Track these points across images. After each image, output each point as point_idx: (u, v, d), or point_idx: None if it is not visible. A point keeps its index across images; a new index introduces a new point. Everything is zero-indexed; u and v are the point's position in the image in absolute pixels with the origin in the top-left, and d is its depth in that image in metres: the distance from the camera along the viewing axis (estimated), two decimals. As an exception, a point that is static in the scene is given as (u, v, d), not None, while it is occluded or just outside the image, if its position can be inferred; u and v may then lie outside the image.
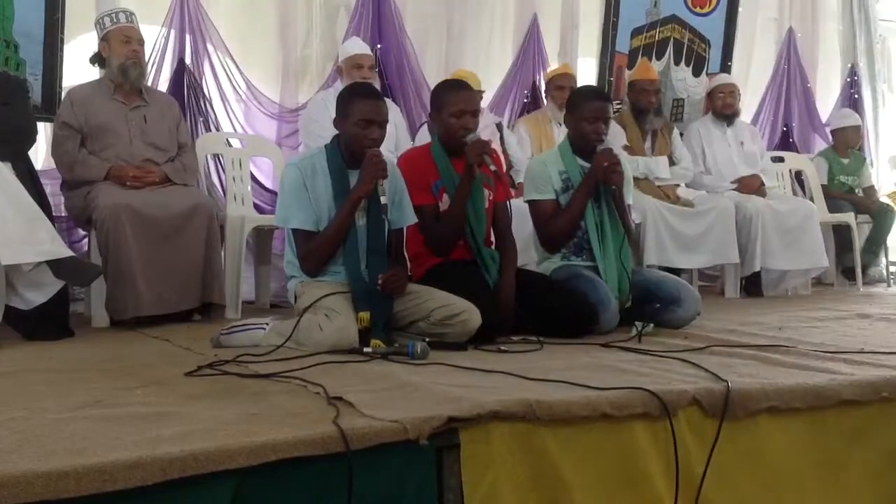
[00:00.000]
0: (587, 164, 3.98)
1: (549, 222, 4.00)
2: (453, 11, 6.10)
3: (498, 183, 3.83)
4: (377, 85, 4.94)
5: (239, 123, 5.45)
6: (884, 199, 6.99)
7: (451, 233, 3.73)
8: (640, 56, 6.53)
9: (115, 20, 4.39)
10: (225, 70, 5.39)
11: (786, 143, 7.22)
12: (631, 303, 3.90)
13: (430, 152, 3.83)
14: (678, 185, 5.76)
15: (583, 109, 3.98)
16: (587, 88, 4.63)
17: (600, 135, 3.96)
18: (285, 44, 5.66)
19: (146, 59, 4.67)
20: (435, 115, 3.84)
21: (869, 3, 7.56)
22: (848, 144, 6.89)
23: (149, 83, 4.75)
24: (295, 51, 5.71)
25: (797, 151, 7.12)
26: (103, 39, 4.40)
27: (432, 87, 5.74)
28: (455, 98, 3.75)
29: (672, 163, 5.76)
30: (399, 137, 5.19)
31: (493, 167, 3.64)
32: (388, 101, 5.18)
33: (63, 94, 4.70)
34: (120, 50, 4.35)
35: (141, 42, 4.46)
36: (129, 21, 4.41)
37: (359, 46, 5.17)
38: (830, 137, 7.08)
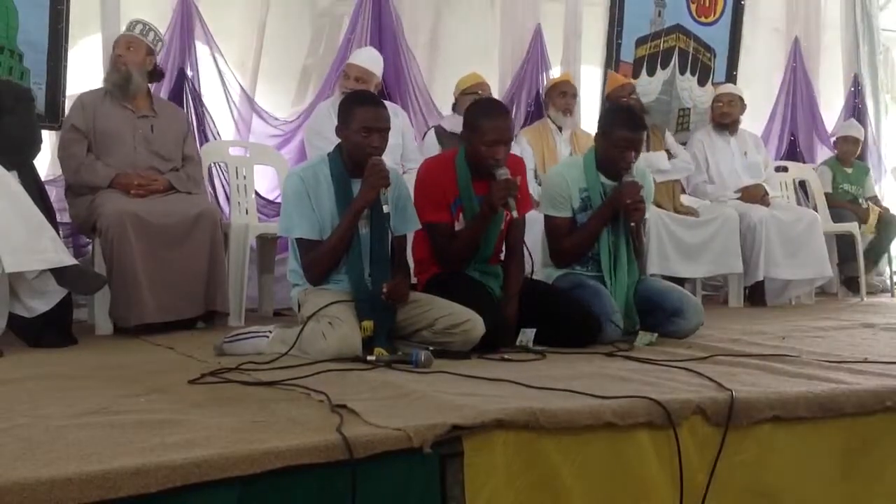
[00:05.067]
0: (610, 183, 3.91)
1: (562, 239, 3.94)
2: (454, 20, 6.07)
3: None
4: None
5: (241, 132, 5.44)
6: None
7: (463, 255, 3.68)
8: (644, 65, 6.54)
9: (129, 29, 4.45)
10: (223, 78, 5.37)
11: (793, 152, 7.21)
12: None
13: (454, 165, 3.70)
14: (680, 186, 5.74)
15: (615, 137, 3.85)
16: (625, 113, 4.12)
17: (629, 163, 3.84)
18: (288, 53, 5.66)
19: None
20: (466, 133, 3.67)
21: (872, 13, 7.56)
22: (848, 154, 6.90)
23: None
24: (298, 60, 5.72)
25: (803, 161, 7.11)
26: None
27: (434, 95, 5.82)
28: (490, 126, 3.56)
29: (670, 156, 5.74)
30: (406, 146, 5.15)
31: (515, 213, 3.54)
32: (396, 107, 5.18)
33: (67, 103, 4.72)
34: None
35: (130, 47, 4.38)
36: (131, 30, 4.43)
37: (357, 57, 5.06)
38: (834, 147, 7.09)
